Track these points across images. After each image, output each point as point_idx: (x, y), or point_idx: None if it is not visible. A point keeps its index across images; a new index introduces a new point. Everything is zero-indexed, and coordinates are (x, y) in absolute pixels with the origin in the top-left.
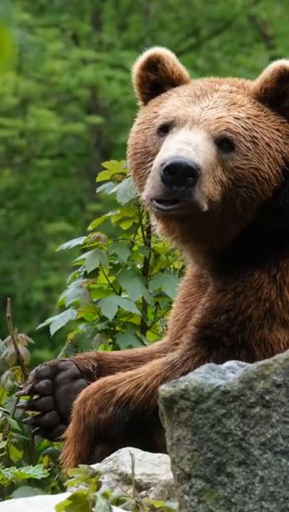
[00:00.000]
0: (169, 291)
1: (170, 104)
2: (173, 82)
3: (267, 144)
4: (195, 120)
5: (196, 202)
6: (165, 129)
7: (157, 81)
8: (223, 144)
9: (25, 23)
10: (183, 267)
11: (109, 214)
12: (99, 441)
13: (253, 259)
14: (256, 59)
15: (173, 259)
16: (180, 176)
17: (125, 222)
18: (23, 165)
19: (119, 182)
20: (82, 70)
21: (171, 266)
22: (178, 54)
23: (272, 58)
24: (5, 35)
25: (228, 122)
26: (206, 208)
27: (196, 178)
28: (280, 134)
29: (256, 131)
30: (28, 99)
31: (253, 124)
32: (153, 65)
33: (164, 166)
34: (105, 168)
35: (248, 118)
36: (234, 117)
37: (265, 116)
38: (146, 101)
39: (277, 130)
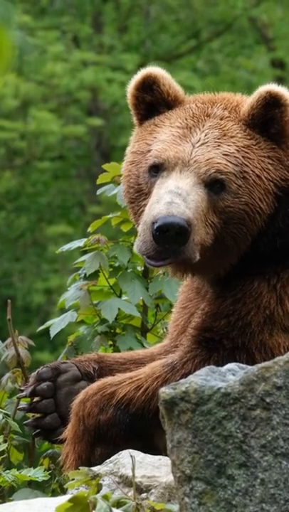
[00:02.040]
0: (169, 293)
1: (162, 139)
2: (168, 103)
3: (257, 175)
4: (185, 162)
5: (188, 258)
6: (156, 169)
7: (152, 102)
8: (214, 185)
9: (26, 25)
10: None
11: (109, 216)
12: (99, 443)
13: (253, 269)
14: (257, 61)
15: None
16: (172, 235)
17: (125, 225)
18: (23, 167)
19: (120, 184)
20: (83, 72)
21: None
22: (178, 56)
23: (273, 60)
24: (4, 37)
25: (218, 163)
26: (197, 258)
27: (188, 235)
28: (271, 161)
29: (246, 165)
30: (28, 101)
31: (243, 156)
32: (148, 86)
33: (155, 226)
34: (106, 171)
35: (238, 151)
36: (224, 154)
37: (255, 145)
38: (141, 121)
39: (268, 157)
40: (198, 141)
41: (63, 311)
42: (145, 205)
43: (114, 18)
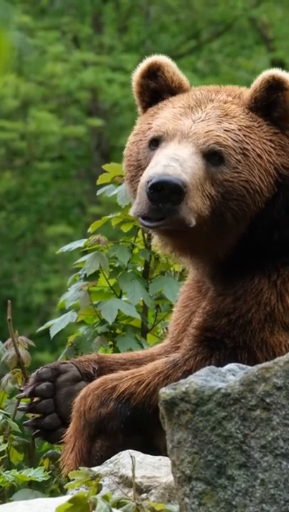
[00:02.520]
0: (170, 294)
1: (162, 116)
2: (172, 90)
3: (258, 155)
4: (184, 134)
5: (182, 218)
6: (155, 143)
7: (157, 89)
8: (213, 157)
9: (26, 25)
10: (183, 270)
11: (109, 216)
12: (99, 436)
13: (253, 266)
14: (257, 61)
15: (173, 261)
16: (166, 193)
17: (126, 225)
18: (23, 167)
19: (120, 184)
20: (83, 72)
21: (172, 269)
22: (178, 56)
23: (273, 61)
24: (4, 37)
25: (217, 136)
26: (193, 223)
27: (182, 195)
28: (273, 145)
29: (247, 143)
30: (28, 101)
31: (244, 135)
32: (153, 73)
33: (149, 184)
34: (106, 171)
35: (240, 129)
36: (224, 130)
37: (257, 127)
38: (145, 109)
39: (270, 141)
40: (199, 118)
41: (63, 311)
42: None
43: (114, 19)
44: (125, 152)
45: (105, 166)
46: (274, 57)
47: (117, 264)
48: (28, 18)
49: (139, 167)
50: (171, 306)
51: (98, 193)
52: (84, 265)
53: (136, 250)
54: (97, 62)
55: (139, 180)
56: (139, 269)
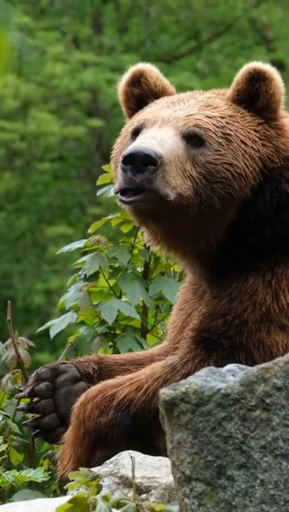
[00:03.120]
0: (169, 294)
1: (145, 111)
2: (156, 95)
3: (242, 141)
4: (164, 119)
5: (157, 189)
6: (137, 132)
7: (141, 95)
8: (192, 139)
9: (26, 26)
10: (183, 271)
11: (109, 217)
12: (99, 445)
13: (247, 266)
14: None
15: (173, 262)
16: (138, 164)
17: (125, 225)
18: (23, 168)
19: None
20: (83, 73)
21: (172, 269)
22: (178, 57)
23: (273, 61)
24: (3, 38)
25: (197, 119)
26: (171, 197)
27: (156, 166)
28: (258, 135)
29: (230, 129)
30: (28, 102)
31: (227, 123)
32: (137, 80)
33: (121, 157)
34: (106, 171)
35: (222, 117)
36: (206, 116)
37: (241, 117)
38: (131, 116)
39: (255, 130)
40: (180, 108)
41: (63, 312)
42: None
43: (114, 19)
44: (112, 154)
45: (105, 167)
46: (274, 58)
47: (116, 265)
48: (28, 19)
49: None
50: (171, 306)
51: (98, 193)
52: (84, 266)
53: (136, 251)
54: (97, 63)
55: None
56: (139, 269)
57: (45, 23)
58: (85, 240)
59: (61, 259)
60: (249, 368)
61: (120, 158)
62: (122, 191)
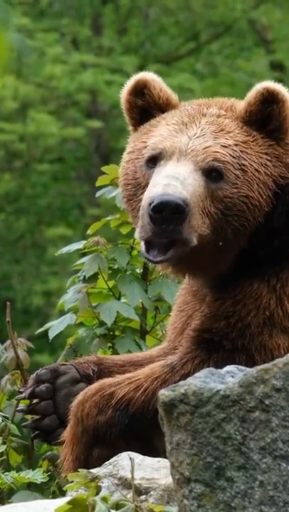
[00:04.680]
0: (168, 295)
1: (158, 134)
2: (160, 107)
3: (256, 169)
4: (182, 151)
5: (186, 239)
6: (153, 161)
7: (145, 106)
8: (212, 174)
9: (25, 27)
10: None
11: (108, 218)
12: (97, 444)
13: (252, 272)
14: (256, 63)
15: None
16: (168, 214)
17: (125, 227)
18: (22, 169)
19: (119, 186)
20: (82, 74)
21: None
22: (177, 58)
23: (272, 62)
24: (2, 38)
25: (215, 152)
26: (195, 242)
27: (184, 214)
28: (269, 158)
29: (244, 159)
30: (27, 103)
31: (241, 151)
32: (140, 90)
33: (151, 206)
34: (105, 173)
35: (236, 145)
36: (221, 145)
37: (253, 142)
38: (135, 126)
39: (266, 154)
40: (195, 135)
41: (62, 313)
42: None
43: (114, 20)
44: (121, 171)
45: (104, 168)
46: (273, 59)
47: (116, 266)
48: (27, 20)
49: (138, 185)
50: (170, 307)
51: (97, 194)
52: (83, 267)
53: (135, 252)
54: (97, 64)
55: (138, 199)
56: (138, 270)
57: (44, 24)
58: (84, 241)
59: (60, 261)
60: (248, 369)
61: (147, 205)
62: (147, 245)
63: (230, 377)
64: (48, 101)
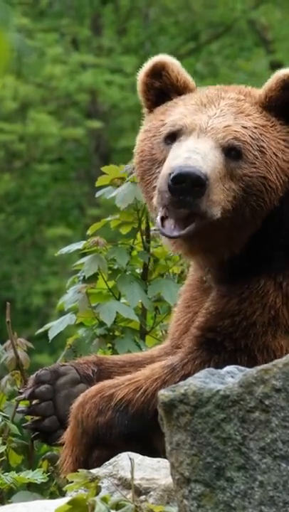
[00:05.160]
0: (168, 296)
1: (177, 112)
2: (178, 89)
3: (274, 153)
4: (202, 128)
5: (205, 212)
6: (172, 137)
7: (162, 88)
8: (231, 152)
9: (25, 27)
10: (182, 272)
11: (108, 218)
12: (97, 445)
13: (259, 268)
14: (256, 63)
15: (172, 264)
16: (188, 186)
17: (124, 227)
18: (22, 169)
19: (119, 186)
20: (82, 74)
21: (171, 271)
22: (177, 58)
23: (272, 63)
24: (2, 39)
25: (235, 131)
26: (217, 215)
27: (204, 188)
28: (287, 144)
29: (263, 141)
30: (27, 103)
31: (260, 134)
32: (158, 72)
33: (171, 176)
34: (105, 173)
35: (255, 128)
36: (242, 126)
37: (271, 127)
38: (151, 108)
39: (284, 140)
40: (215, 114)
41: (62, 313)
42: (159, 172)
43: (114, 21)
44: (136, 149)
45: (104, 168)
46: (273, 59)
47: (115, 266)
48: (27, 20)
49: (154, 161)
50: (170, 308)
51: (97, 194)
52: (83, 267)
53: (135, 252)
54: (96, 64)
55: (153, 174)
56: (138, 271)
57: (44, 24)
58: (84, 242)
59: (60, 261)
60: (248, 369)
61: (166, 175)
62: (163, 220)
63: (230, 377)
64: (47, 101)
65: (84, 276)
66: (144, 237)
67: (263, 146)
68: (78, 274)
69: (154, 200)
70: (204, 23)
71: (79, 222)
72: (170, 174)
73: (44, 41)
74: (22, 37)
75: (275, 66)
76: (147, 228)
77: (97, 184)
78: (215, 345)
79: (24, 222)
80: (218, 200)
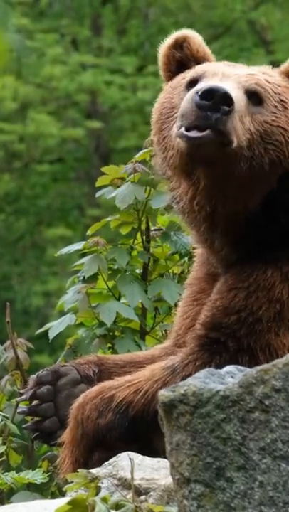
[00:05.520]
0: (168, 296)
1: (199, 67)
2: (198, 60)
3: None
4: (225, 74)
5: (228, 132)
6: (194, 83)
7: (182, 60)
8: (253, 97)
9: (25, 27)
10: (182, 272)
11: (108, 219)
12: (97, 447)
13: (267, 255)
14: (256, 64)
15: (172, 264)
16: (217, 101)
17: (124, 227)
18: (22, 170)
19: (119, 187)
20: (82, 74)
21: (171, 271)
22: None
23: (272, 63)
24: (1, 39)
25: (258, 78)
26: (235, 144)
27: (231, 107)
28: None
29: (285, 97)
30: (27, 103)
31: (283, 91)
32: (179, 44)
33: (200, 92)
34: (104, 173)
35: (278, 86)
36: (265, 79)
37: None
38: (170, 79)
39: None
40: (238, 68)
41: (62, 313)
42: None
43: (113, 21)
44: (155, 108)
45: (104, 168)
46: (273, 60)
47: (115, 267)
48: (26, 21)
49: (174, 108)
50: (170, 308)
51: (97, 195)
52: (83, 267)
53: (134, 252)
54: (96, 65)
55: (172, 121)
56: (138, 271)
57: (44, 24)
58: (84, 242)
59: (60, 261)
60: (248, 369)
61: (193, 94)
62: (188, 128)
63: (229, 377)
64: (47, 101)
65: (84, 277)
66: (144, 237)
67: (284, 101)
68: (78, 275)
69: (176, 125)
70: (204, 24)
71: (79, 223)
72: (198, 92)
73: (44, 41)
74: (21, 37)
75: (275, 66)
76: (147, 228)
77: (97, 184)
78: (217, 346)
79: (24, 222)
80: (237, 131)
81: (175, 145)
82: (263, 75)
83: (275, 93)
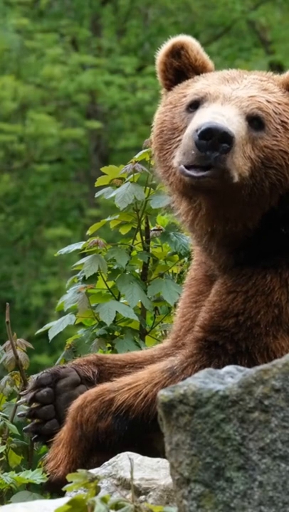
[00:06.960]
0: (168, 296)
1: (200, 84)
2: (196, 69)
3: None
4: (226, 97)
5: (228, 169)
6: (195, 105)
7: (180, 68)
8: (254, 121)
9: (24, 28)
10: (182, 272)
11: (108, 219)
12: (96, 450)
13: (266, 261)
14: (255, 64)
15: (171, 264)
16: (215, 141)
17: (124, 227)
18: (22, 170)
19: (118, 187)
20: (81, 75)
21: (170, 271)
22: None
23: (272, 63)
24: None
25: (259, 101)
26: (236, 179)
27: (231, 144)
28: None
29: (286, 117)
30: (27, 104)
31: (284, 110)
32: (177, 52)
33: (199, 131)
34: (104, 173)
35: (279, 104)
36: (266, 99)
37: None
38: (169, 87)
39: None
40: (239, 88)
41: (62, 313)
42: (180, 140)
43: (113, 21)
44: (155, 122)
45: (104, 169)
46: (272, 60)
47: (115, 267)
48: (26, 21)
49: (175, 129)
50: (170, 308)
51: (97, 195)
52: (82, 267)
53: (134, 252)
54: (96, 65)
55: (173, 143)
56: (138, 271)
57: (43, 25)
58: (84, 242)
59: (60, 261)
60: (248, 369)
61: (193, 132)
62: (189, 166)
63: (229, 377)
64: (47, 102)
65: (84, 277)
66: (143, 237)
67: (285, 122)
68: (78, 275)
69: (176, 158)
70: (204, 24)
71: (78, 223)
72: (197, 130)
73: (43, 42)
74: (21, 38)
75: (274, 67)
76: (147, 228)
77: (97, 184)
78: (216, 349)
79: (23, 222)
80: (238, 164)
81: (177, 173)
82: (263, 93)
83: (276, 114)
